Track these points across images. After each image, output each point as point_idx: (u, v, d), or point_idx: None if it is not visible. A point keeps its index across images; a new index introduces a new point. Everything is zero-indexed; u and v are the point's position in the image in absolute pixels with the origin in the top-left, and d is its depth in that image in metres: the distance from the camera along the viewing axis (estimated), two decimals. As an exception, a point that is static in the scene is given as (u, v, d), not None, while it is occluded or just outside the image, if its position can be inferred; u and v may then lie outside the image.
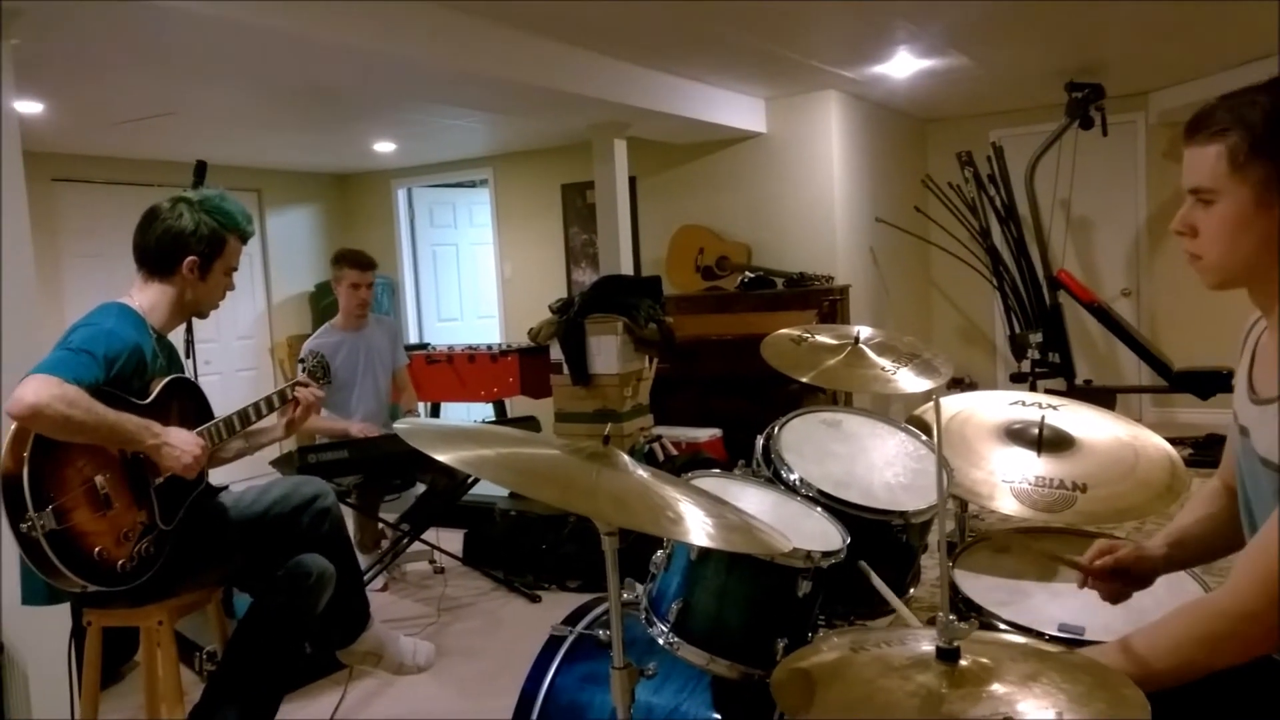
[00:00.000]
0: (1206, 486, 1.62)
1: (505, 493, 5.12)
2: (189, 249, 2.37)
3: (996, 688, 1.02)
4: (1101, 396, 5.65)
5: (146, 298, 2.38)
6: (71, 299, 6.25)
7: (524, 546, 4.49)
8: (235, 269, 2.51)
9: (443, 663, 3.46)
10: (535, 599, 4.24)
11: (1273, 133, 1.24)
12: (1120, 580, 1.59)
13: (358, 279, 4.33)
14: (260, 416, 2.51)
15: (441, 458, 1.28)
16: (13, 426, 2.04)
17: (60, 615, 2.40)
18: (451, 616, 4.09)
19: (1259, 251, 1.29)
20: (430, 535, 4.47)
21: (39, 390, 1.98)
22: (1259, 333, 1.41)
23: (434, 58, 4.09)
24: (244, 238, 2.50)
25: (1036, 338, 6.14)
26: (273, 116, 5.89)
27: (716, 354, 5.89)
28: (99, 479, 2.12)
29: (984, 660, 1.07)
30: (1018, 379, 6.21)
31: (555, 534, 4.46)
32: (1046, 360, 6.14)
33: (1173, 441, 2.19)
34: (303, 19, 3.51)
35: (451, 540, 4.65)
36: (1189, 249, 1.37)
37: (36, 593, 2.20)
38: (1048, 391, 2.95)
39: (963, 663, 1.06)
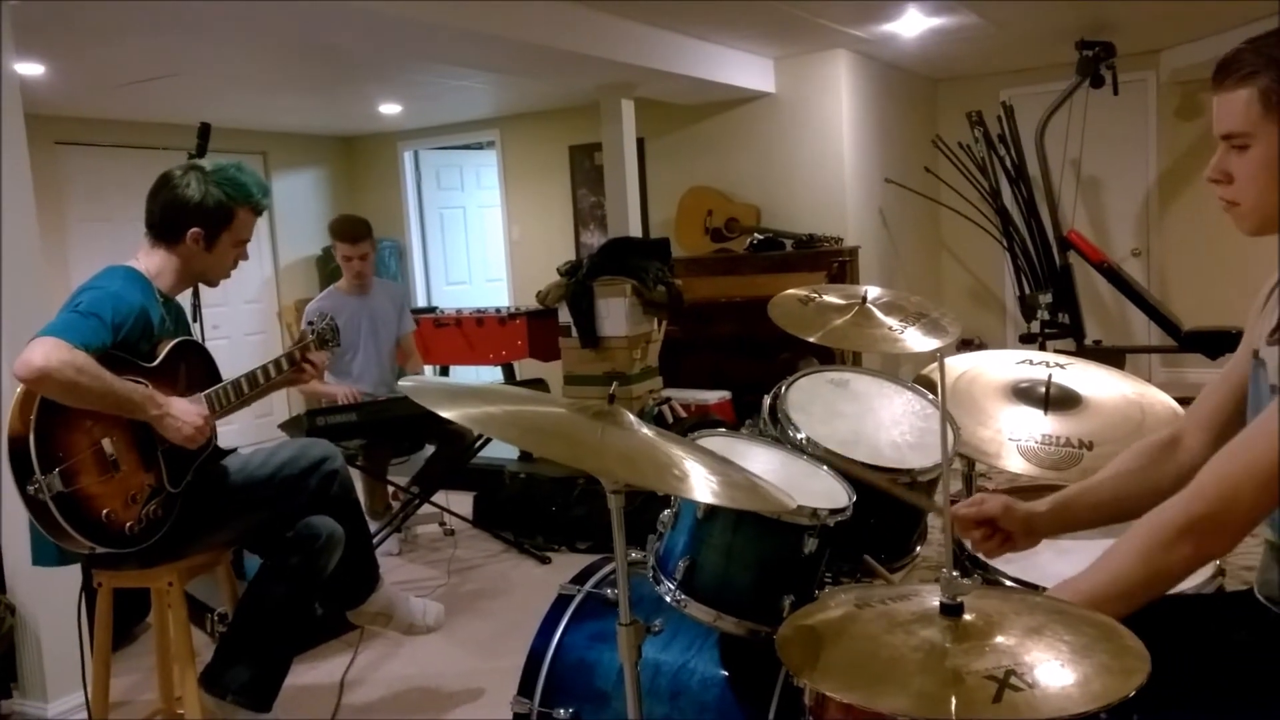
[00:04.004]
0: (1148, 439, 1.57)
1: (515, 455, 5.15)
2: (193, 220, 2.35)
3: (1000, 641, 1.02)
4: (1111, 356, 5.62)
5: (153, 262, 2.37)
6: (77, 263, 6.24)
7: (534, 509, 4.52)
8: (247, 240, 2.47)
9: (453, 623, 3.49)
10: (545, 561, 4.27)
11: None
12: (992, 533, 1.56)
13: (348, 251, 4.29)
14: (268, 379, 2.51)
15: (447, 415, 1.28)
16: (19, 389, 2.05)
17: (71, 577, 2.43)
18: (461, 578, 4.12)
19: None
20: (440, 498, 4.50)
21: (49, 354, 1.98)
22: None
23: (440, 17, 4.05)
24: (257, 210, 2.46)
25: (1046, 298, 6.11)
26: (278, 78, 5.85)
27: (725, 316, 5.88)
28: (106, 441, 2.13)
29: (988, 614, 1.07)
30: (1027, 339, 6.18)
31: (565, 496, 4.48)
32: (1056, 321, 6.11)
33: (1182, 401, 2.18)
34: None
35: (461, 503, 4.68)
36: (1224, 195, 1.35)
37: (47, 554, 2.22)
38: (1056, 351, 2.94)
39: (967, 617, 1.06)
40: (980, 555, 1.68)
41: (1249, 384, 1.42)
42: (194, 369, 2.40)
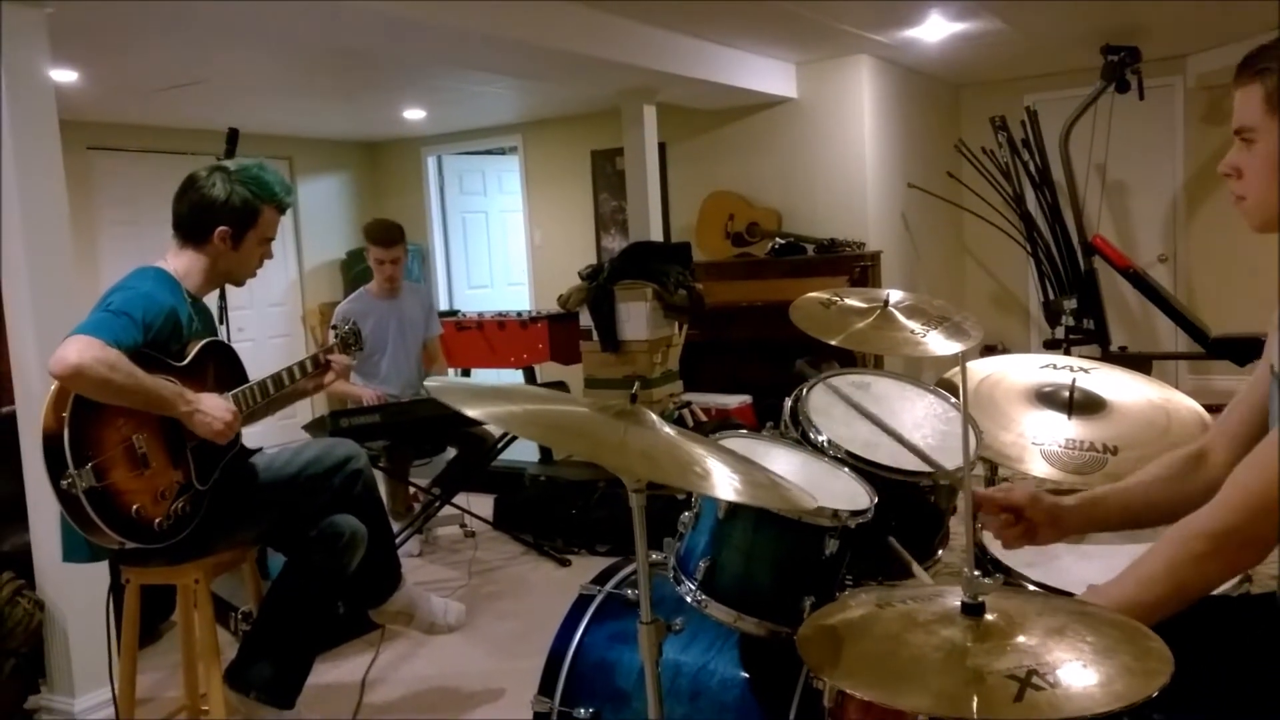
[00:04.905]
0: (1177, 451, 1.58)
1: (535, 458, 5.17)
2: (220, 219, 2.39)
3: (1022, 640, 1.02)
4: (1137, 363, 5.56)
5: (181, 263, 2.41)
6: (107, 266, 6.33)
7: (554, 511, 4.53)
8: (272, 239, 2.51)
9: (473, 623, 3.51)
10: (565, 563, 4.28)
11: None
12: (1017, 522, 1.55)
13: (381, 255, 4.35)
14: (294, 381, 2.54)
15: (471, 413, 1.29)
16: (53, 386, 2.08)
17: (99, 574, 2.46)
18: (482, 580, 4.14)
19: None
20: (461, 500, 4.52)
21: (82, 351, 2.02)
22: None
23: (465, 21, 4.07)
24: (281, 208, 2.50)
25: (1071, 304, 6.06)
26: (304, 84, 5.91)
27: (747, 320, 5.87)
28: (137, 439, 2.17)
29: (1010, 614, 1.07)
30: (1051, 345, 6.13)
31: (585, 499, 4.49)
32: (1081, 327, 6.06)
33: (1210, 409, 2.16)
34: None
35: (482, 505, 4.70)
36: (1234, 189, 1.38)
37: (77, 549, 2.26)
38: (1080, 357, 2.92)
39: (988, 617, 1.06)
40: (999, 544, 1.66)
41: (1270, 400, 1.41)
42: (222, 369, 2.43)
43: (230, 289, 2.69)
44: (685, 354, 5.52)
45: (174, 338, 2.28)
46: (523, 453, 5.13)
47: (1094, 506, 1.56)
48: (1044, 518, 1.54)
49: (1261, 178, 1.32)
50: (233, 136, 3.10)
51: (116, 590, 2.43)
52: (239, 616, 3.19)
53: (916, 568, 1.79)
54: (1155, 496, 1.54)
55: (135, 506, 2.14)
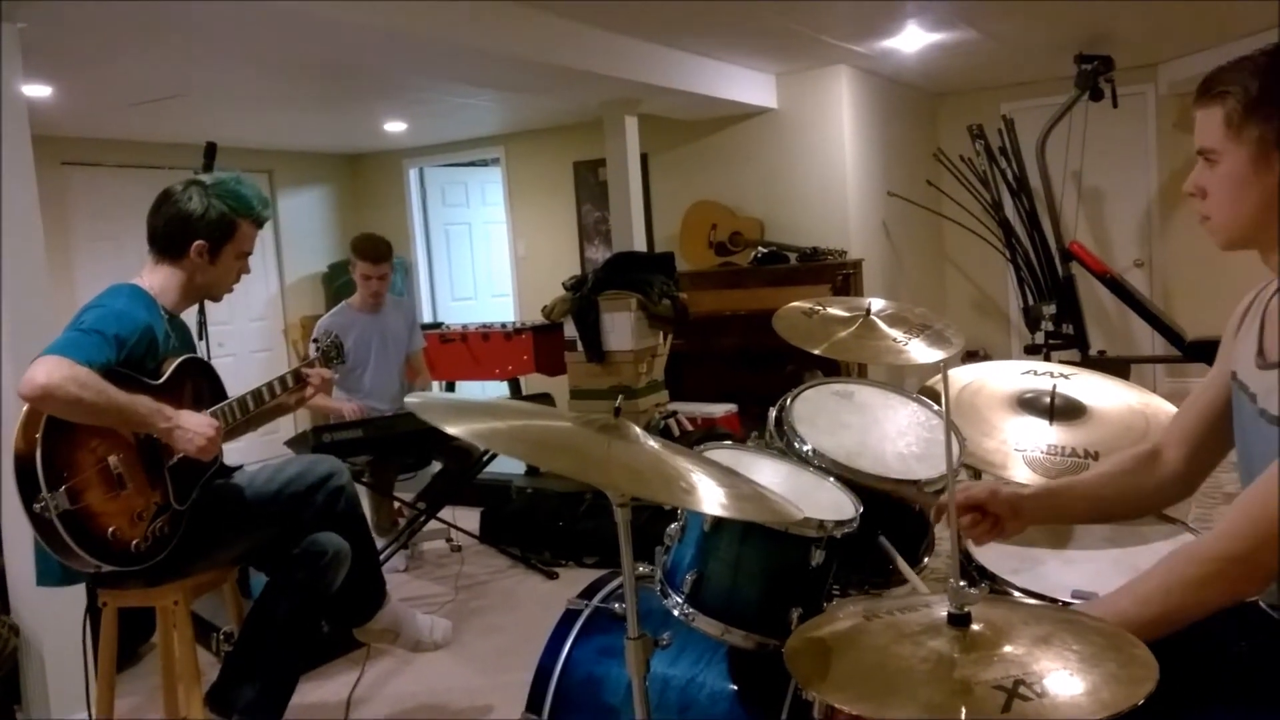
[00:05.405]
0: (1132, 449, 1.63)
1: (521, 470, 5.15)
2: (197, 233, 2.37)
3: (1008, 650, 1.02)
4: (1115, 367, 5.61)
5: (157, 279, 2.39)
6: (83, 283, 6.27)
7: (540, 524, 4.51)
8: (249, 253, 2.49)
9: (460, 639, 3.49)
10: (552, 576, 4.26)
11: (1266, 95, 1.28)
12: (983, 519, 1.60)
13: (369, 271, 4.33)
14: (274, 396, 2.52)
15: (453, 430, 1.27)
16: (24, 408, 2.05)
17: (76, 597, 2.43)
18: (469, 594, 4.11)
19: (1261, 211, 1.33)
20: (446, 514, 4.50)
21: (51, 371, 1.99)
22: (1268, 296, 1.40)
23: (446, 34, 4.07)
24: (258, 222, 2.48)
25: (1050, 309, 6.10)
26: (283, 97, 5.88)
27: (731, 329, 5.88)
28: (112, 459, 2.14)
29: (996, 624, 1.06)
30: (1032, 351, 6.17)
31: (572, 511, 4.47)
32: (1060, 332, 6.10)
33: (1187, 411, 2.17)
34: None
35: (468, 518, 4.67)
36: (1199, 209, 1.40)
37: (51, 573, 2.22)
38: (1060, 362, 2.94)
39: (975, 627, 1.06)
40: (970, 544, 1.71)
41: (1232, 407, 1.43)
42: (200, 386, 2.41)
43: (210, 304, 2.67)
44: (670, 364, 5.52)
45: (149, 355, 2.25)
46: (509, 465, 5.10)
47: (1052, 497, 1.62)
48: (1005, 510, 1.59)
49: (1225, 198, 1.35)
50: (210, 151, 3.07)
51: (93, 613, 2.39)
52: (220, 637, 3.16)
53: (904, 565, 1.79)
54: (1110, 491, 1.60)
55: (111, 529, 2.10)
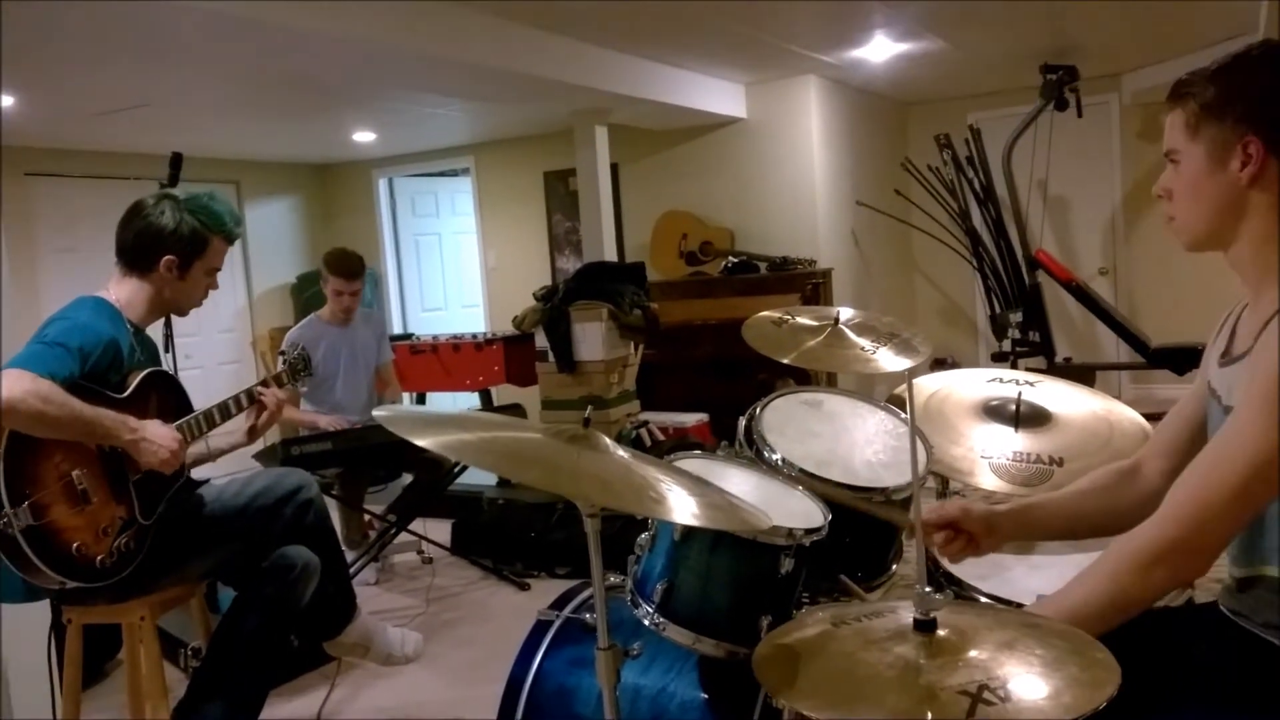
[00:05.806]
0: (1112, 465, 1.62)
1: (493, 481, 5.12)
2: (168, 247, 2.35)
3: (973, 655, 1.03)
4: (1081, 374, 5.69)
5: (123, 292, 2.36)
6: (48, 294, 6.17)
7: (512, 535, 4.50)
8: (218, 269, 2.48)
9: (432, 652, 3.46)
10: (524, 587, 4.24)
11: (1221, 97, 1.32)
12: (956, 536, 1.59)
13: (341, 287, 4.30)
14: (240, 409, 2.50)
15: (422, 443, 1.27)
16: (-11, 423, 2.02)
17: (39, 613, 2.39)
18: (440, 606, 4.09)
19: (1218, 212, 1.35)
20: (417, 525, 4.47)
21: (12, 386, 1.96)
22: (1240, 308, 1.43)
23: (413, 44, 4.06)
24: (229, 239, 2.47)
25: (1016, 317, 6.18)
26: (250, 107, 5.84)
27: (702, 339, 5.90)
28: (76, 474, 2.11)
29: (961, 629, 1.08)
30: (999, 358, 6.24)
31: (543, 521, 4.46)
32: (1027, 339, 6.18)
33: (1150, 417, 2.21)
34: (280, 6, 3.48)
35: (439, 530, 4.65)
36: (1166, 210, 1.43)
37: (13, 590, 2.18)
38: (1027, 369, 2.97)
39: (940, 633, 1.07)
40: (945, 560, 1.70)
41: (1206, 415, 1.45)
42: (165, 400, 2.38)
43: (176, 317, 2.64)
44: (642, 373, 5.53)
45: (114, 368, 2.23)
46: (481, 476, 5.08)
47: (1028, 513, 1.61)
48: (980, 528, 1.58)
49: (1186, 199, 1.39)
50: (176, 161, 3.04)
51: (58, 630, 2.36)
52: (188, 653, 3.12)
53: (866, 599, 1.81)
54: (1088, 508, 1.59)
55: (76, 544, 2.08)
